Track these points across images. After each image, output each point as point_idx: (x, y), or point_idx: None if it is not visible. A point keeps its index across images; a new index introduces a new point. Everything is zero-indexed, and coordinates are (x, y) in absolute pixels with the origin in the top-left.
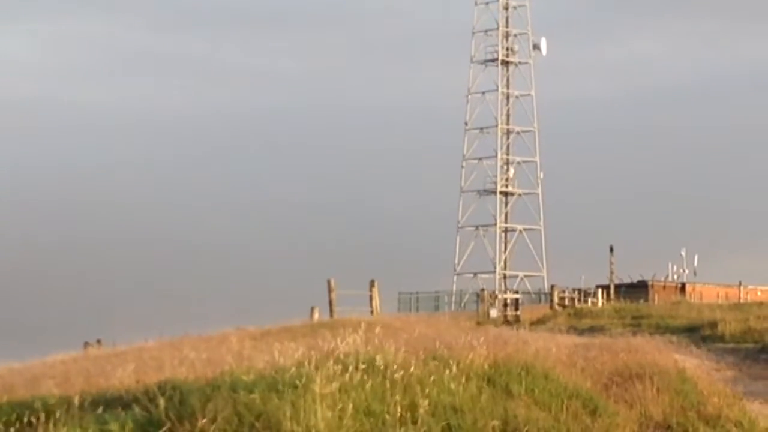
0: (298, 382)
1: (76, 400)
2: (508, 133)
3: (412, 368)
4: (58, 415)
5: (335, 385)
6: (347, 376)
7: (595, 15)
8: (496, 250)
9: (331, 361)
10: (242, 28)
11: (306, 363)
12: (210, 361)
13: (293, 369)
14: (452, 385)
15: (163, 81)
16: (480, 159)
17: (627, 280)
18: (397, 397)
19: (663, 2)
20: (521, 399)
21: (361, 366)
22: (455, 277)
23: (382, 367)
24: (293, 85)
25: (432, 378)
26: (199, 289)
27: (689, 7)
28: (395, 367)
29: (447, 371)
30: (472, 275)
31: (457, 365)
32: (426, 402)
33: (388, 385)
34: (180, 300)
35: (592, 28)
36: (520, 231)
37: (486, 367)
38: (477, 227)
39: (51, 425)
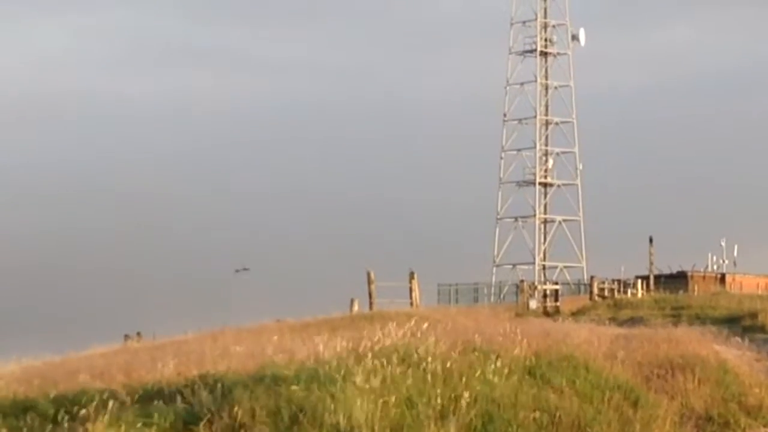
0: (338, 375)
1: (123, 395)
2: (547, 124)
3: (451, 361)
4: (103, 408)
5: (377, 378)
6: (388, 369)
7: (633, 4)
8: (535, 241)
9: (371, 355)
10: (279, 19)
11: (347, 356)
12: (251, 353)
13: (334, 362)
14: (493, 378)
15: (199, 73)
16: (519, 150)
17: (666, 271)
18: (438, 390)
19: None
20: (563, 391)
21: (402, 359)
22: (494, 269)
23: (422, 359)
24: (331, 78)
25: (473, 370)
26: (239, 280)
27: None
28: (435, 359)
29: (488, 363)
30: (511, 267)
31: (498, 357)
32: (467, 394)
33: (428, 378)
34: (219, 292)
35: (630, 17)
36: (560, 222)
37: (527, 359)
38: (516, 218)
39: (99, 418)
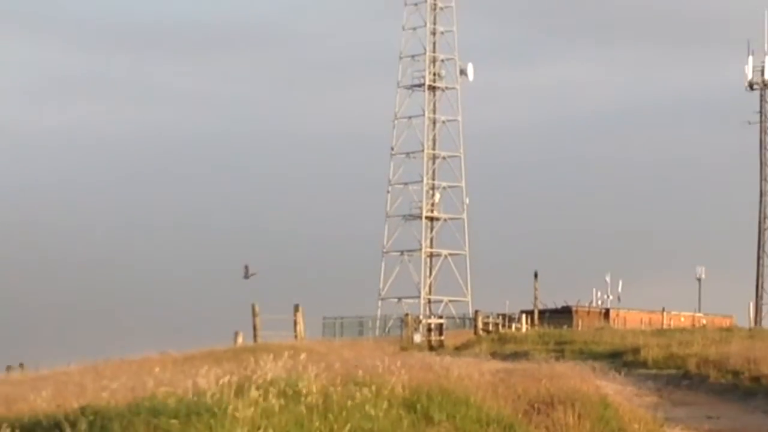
0: (217, 408)
1: (4, 426)
2: (434, 158)
3: (332, 394)
4: None
5: (255, 410)
6: (268, 401)
7: (523, 40)
8: (421, 275)
9: (252, 387)
10: (168, 50)
11: (227, 388)
12: (132, 385)
13: (214, 394)
14: (372, 411)
15: (86, 103)
16: (406, 184)
17: (551, 306)
18: (317, 423)
19: (592, 28)
20: (441, 425)
21: (282, 391)
22: (380, 302)
23: (302, 392)
24: (217, 110)
25: (353, 404)
26: (124, 312)
27: (619, 32)
28: (315, 392)
29: (368, 397)
30: (396, 300)
31: (378, 391)
32: (346, 428)
33: (308, 411)
34: (104, 323)
35: (520, 53)
36: (445, 256)
37: (407, 392)
38: (402, 252)
39: None
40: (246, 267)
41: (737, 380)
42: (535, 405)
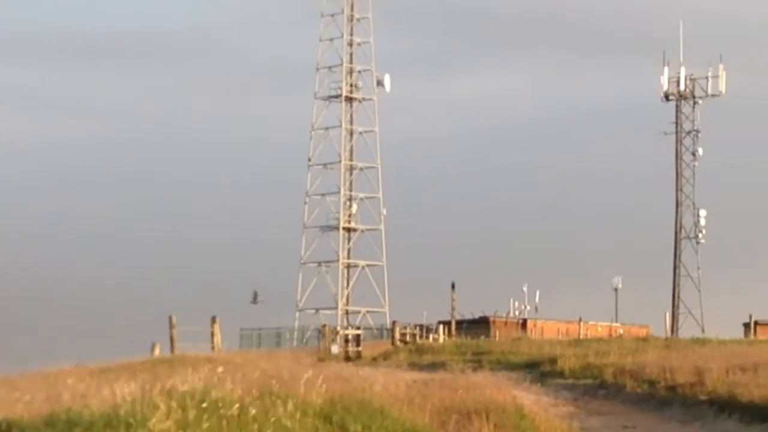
0: (133, 420)
1: None
2: (352, 169)
3: (247, 406)
4: None
5: (171, 422)
6: (184, 413)
7: (442, 51)
8: (339, 286)
9: (167, 399)
10: (76, 60)
11: (143, 400)
12: (47, 398)
13: (129, 406)
14: (288, 423)
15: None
16: (323, 195)
17: (469, 317)
18: None
19: (513, 38)
20: None
21: (198, 403)
22: (297, 314)
23: (218, 404)
24: (134, 121)
25: (268, 415)
26: (40, 324)
27: (540, 43)
28: (231, 404)
29: (284, 408)
30: (314, 311)
31: (294, 402)
32: None
33: (224, 423)
34: (19, 336)
35: (438, 64)
36: (363, 267)
37: (323, 404)
38: (320, 263)
39: None
40: (255, 292)
41: (653, 390)
42: (452, 415)
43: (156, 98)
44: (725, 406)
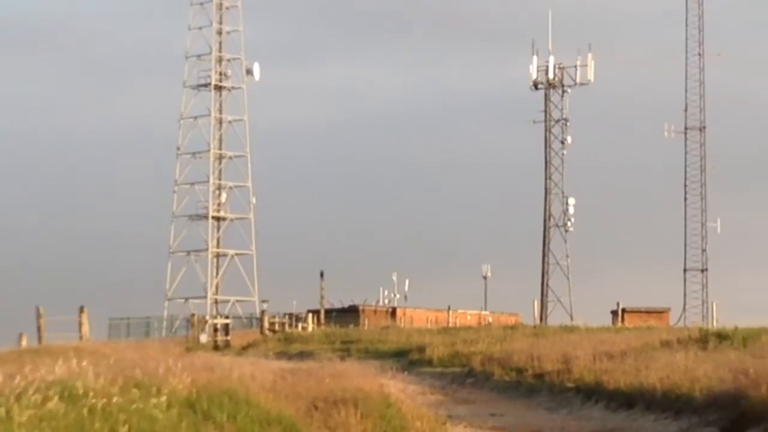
0: None
1: None
2: (221, 158)
3: (112, 396)
4: None
5: (34, 413)
6: (47, 404)
7: (311, 40)
8: (208, 275)
9: (31, 391)
10: None
11: (6, 391)
12: None
13: None
14: (154, 412)
15: None
16: (192, 184)
17: (338, 305)
18: (97, 425)
19: (382, 27)
20: (223, 426)
21: (62, 394)
22: (167, 303)
23: (83, 394)
24: (6, 111)
25: (134, 405)
26: None
27: (410, 31)
28: (96, 394)
29: (149, 398)
30: (183, 300)
31: (159, 392)
32: (125, 429)
33: (88, 413)
34: None
35: (308, 53)
36: (232, 256)
37: (188, 393)
38: (189, 252)
39: None
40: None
41: (521, 377)
42: (318, 404)
43: (26, 87)
44: (592, 393)
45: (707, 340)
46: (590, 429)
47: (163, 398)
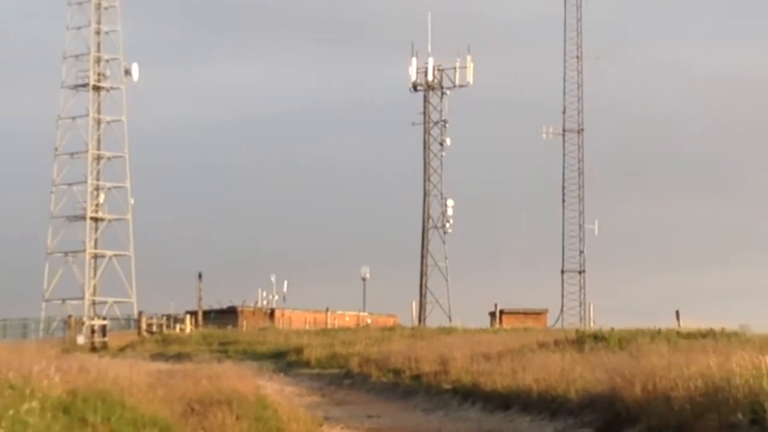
0: None
1: None
2: (99, 158)
3: None
4: None
5: None
6: None
7: (192, 41)
8: (86, 276)
9: None
10: None
11: None
12: None
13: None
14: (26, 417)
15: None
16: (70, 185)
17: (216, 307)
18: None
19: (263, 29)
20: (97, 428)
21: None
22: (44, 304)
23: None
24: None
25: (5, 409)
26: None
27: (293, 33)
28: None
29: (21, 402)
30: (61, 302)
31: (32, 394)
32: None
33: None
34: None
35: (188, 53)
36: (110, 257)
37: (62, 396)
38: (66, 253)
39: None
40: None
41: (398, 379)
42: (194, 406)
43: None
44: (469, 394)
45: (584, 341)
46: (467, 430)
47: (35, 403)
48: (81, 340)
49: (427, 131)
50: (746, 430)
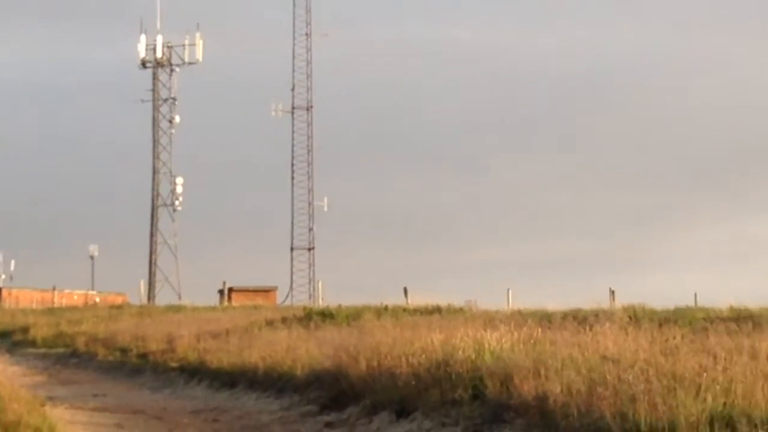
0: None
1: None
2: None
3: None
4: None
5: None
6: None
7: None
8: None
9: None
10: None
11: None
12: None
13: None
14: None
15: None
16: None
17: None
18: None
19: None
20: None
21: None
22: None
23: None
24: None
25: None
26: None
27: (25, 9)
28: None
29: None
30: None
31: None
32: None
33: None
34: None
35: None
36: None
37: None
38: None
39: None
40: None
41: (125, 357)
42: None
43: None
44: (195, 372)
45: (311, 318)
46: (192, 408)
47: None
48: None
49: (156, 108)
50: (468, 405)
